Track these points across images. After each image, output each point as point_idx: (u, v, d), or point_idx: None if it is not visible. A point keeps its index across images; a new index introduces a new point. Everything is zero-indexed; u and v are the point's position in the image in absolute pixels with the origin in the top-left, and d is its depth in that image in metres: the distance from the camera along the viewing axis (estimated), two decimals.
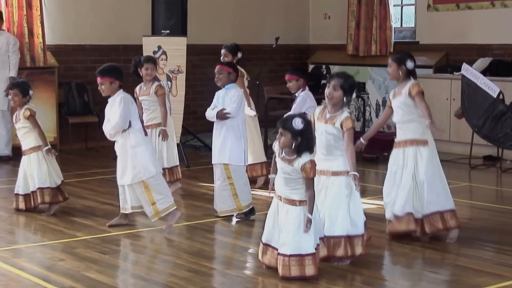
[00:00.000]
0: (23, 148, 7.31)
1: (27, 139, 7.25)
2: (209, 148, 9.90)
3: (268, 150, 8.43)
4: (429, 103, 6.23)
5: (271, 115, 10.09)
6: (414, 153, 6.18)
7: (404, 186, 6.18)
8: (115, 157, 6.65)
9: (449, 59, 11.67)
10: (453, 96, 10.61)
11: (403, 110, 6.21)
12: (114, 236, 6.50)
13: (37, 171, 7.19)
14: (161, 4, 10.38)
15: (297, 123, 5.09)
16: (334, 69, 12.97)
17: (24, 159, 7.29)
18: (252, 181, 7.87)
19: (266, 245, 5.39)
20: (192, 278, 5.32)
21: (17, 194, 7.32)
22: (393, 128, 9.30)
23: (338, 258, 5.55)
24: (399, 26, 12.69)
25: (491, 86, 9.14)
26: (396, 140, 6.32)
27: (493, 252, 6.08)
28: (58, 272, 5.46)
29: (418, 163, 6.17)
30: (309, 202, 5.18)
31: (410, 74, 6.23)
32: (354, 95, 5.64)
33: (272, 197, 5.43)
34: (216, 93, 7.04)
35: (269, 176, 5.63)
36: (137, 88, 8.00)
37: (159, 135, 7.88)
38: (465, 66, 9.48)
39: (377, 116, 12.22)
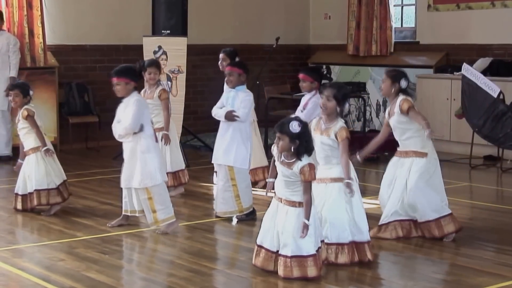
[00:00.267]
0: (25, 149, 7.31)
1: (28, 139, 7.25)
2: (209, 148, 9.91)
3: (269, 151, 8.40)
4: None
5: (272, 115, 10.10)
6: (410, 163, 6.27)
7: (394, 195, 6.29)
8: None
9: (449, 59, 11.66)
10: (453, 96, 10.60)
11: (400, 129, 6.31)
12: (114, 236, 6.50)
13: (34, 173, 7.18)
14: (162, 4, 10.37)
15: (294, 127, 5.11)
16: (335, 69, 12.98)
17: (25, 159, 7.30)
18: (254, 184, 7.94)
19: (260, 247, 5.40)
20: (192, 278, 5.32)
21: (16, 194, 7.33)
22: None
23: (342, 264, 5.55)
24: (400, 26, 12.68)
25: (491, 86, 9.14)
26: (398, 149, 6.42)
27: (493, 252, 6.08)
28: (58, 272, 5.46)
29: (411, 172, 6.24)
30: (306, 207, 5.19)
31: (401, 92, 6.29)
32: (347, 105, 5.72)
33: (271, 197, 5.43)
34: (225, 92, 7.00)
35: (267, 180, 5.63)
36: (142, 92, 7.99)
37: (161, 140, 7.87)
38: (465, 66, 9.47)
39: (377, 116, 12.22)
